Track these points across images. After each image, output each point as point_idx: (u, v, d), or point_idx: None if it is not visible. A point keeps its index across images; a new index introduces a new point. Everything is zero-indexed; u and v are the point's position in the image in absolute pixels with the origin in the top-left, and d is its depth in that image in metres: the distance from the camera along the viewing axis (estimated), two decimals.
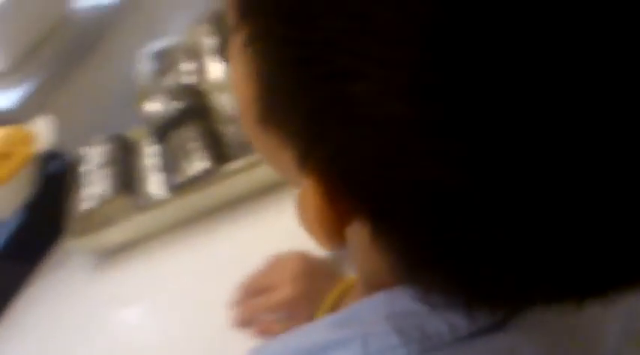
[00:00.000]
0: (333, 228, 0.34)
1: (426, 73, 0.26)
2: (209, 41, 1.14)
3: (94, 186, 0.91)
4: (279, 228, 0.84)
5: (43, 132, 0.92)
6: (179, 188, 0.88)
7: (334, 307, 0.65)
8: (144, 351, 0.79)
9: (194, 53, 1.10)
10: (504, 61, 0.25)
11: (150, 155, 0.96)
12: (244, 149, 0.90)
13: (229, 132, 0.92)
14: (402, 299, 0.38)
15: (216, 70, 1.06)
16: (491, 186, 0.28)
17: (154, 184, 0.92)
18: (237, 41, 0.35)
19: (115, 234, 0.88)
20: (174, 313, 0.81)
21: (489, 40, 0.25)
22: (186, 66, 1.06)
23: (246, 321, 0.74)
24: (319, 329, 0.41)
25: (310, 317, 0.69)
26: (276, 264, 0.76)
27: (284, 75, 0.32)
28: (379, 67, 0.27)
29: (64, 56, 1.06)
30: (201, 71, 1.03)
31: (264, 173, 0.89)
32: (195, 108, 0.94)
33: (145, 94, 1.04)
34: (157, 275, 0.86)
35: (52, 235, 0.93)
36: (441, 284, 0.34)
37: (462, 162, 0.27)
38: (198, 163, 0.88)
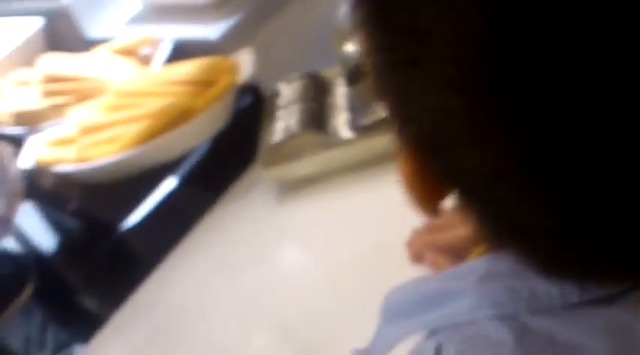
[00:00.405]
0: (427, 198, 0.39)
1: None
2: None
3: (286, 120, 0.94)
4: None
5: (244, 64, 0.96)
6: (365, 129, 0.89)
7: None
8: (305, 289, 0.81)
9: None
10: None
11: (342, 95, 0.97)
12: None
13: None
14: (512, 261, 0.38)
15: None
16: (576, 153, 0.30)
17: (342, 123, 0.93)
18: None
19: (300, 168, 0.91)
20: (341, 252, 0.82)
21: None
22: None
23: (418, 255, 0.74)
24: (441, 279, 0.45)
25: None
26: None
27: (373, 57, 0.35)
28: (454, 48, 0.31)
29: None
30: None
31: None
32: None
33: (344, 37, 1.05)
34: (333, 214, 0.88)
35: (240, 165, 0.98)
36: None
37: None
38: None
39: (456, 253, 0.72)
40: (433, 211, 0.40)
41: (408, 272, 0.73)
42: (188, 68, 0.98)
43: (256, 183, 0.95)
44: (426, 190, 0.38)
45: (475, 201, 0.36)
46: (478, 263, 0.41)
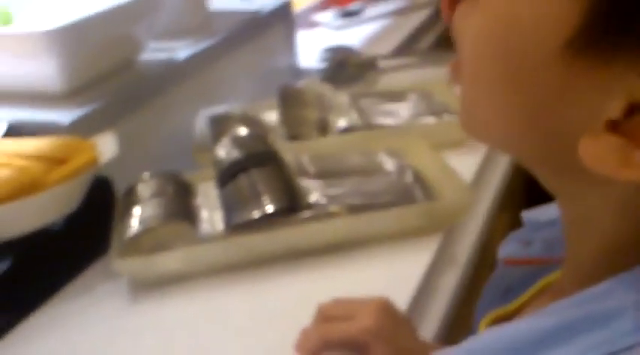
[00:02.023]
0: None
1: None
2: (270, 115, 1.10)
3: (145, 213, 0.80)
4: (337, 288, 0.75)
5: (105, 146, 0.82)
6: (239, 227, 0.79)
7: None
8: None
9: (252, 123, 1.05)
10: None
11: (207, 195, 0.87)
12: (316, 202, 0.82)
13: (301, 183, 0.84)
14: None
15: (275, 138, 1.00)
16: None
17: (211, 221, 0.82)
18: None
19: (163, 262, 0.77)
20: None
21: None
22: (243, 132, 1.00)
23: (315, 348, 0.62)
24: (549, 314, 0.35)
25: None
26: (357, 299, 0.66)
27: None
28: None
29: (124, 96, 0.99)
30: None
31: (332, 229, 0.80)
32: (264, 154, 0.86)
33: (201, 150, 0.97)
34: (194, 316, 0.74)
35: (88, 256, 0.81)
36: None
37: None
38: (265, 206, 0.79)
39: (356, 346, 0.62)
40: None
41: None
42: (37, 143, 0.82)
43: (106, 277, 0.79)
44: None
45: None
46: (613, 282, 0.34)
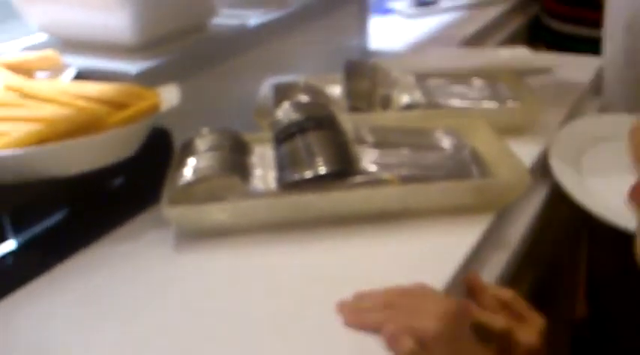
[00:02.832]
0: None
1: None
2: (335, 89, 1.08)
3: (201, 162, 0.80)
4: (381, 256, 0.73)
5: (167, 96, 0.82)
6: (292, 186, 0.77)
7: None
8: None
9: (315, 93, 1.03)
10: None
11: (263, 155, 0.86)
12: (369, 169, 0.80)
13: (357, 150, 0.82)
14: None
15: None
16: None
17: (264, 179, 0.81)
18: None
19: (212, 213, 0.76)
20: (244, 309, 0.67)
21: None
22: (304, 99, 0.99)
23: (368, 327, 0.61)
24: None
25: None
26: (423, 291, 0.64)
27: None
28: None
29: (193, 55, 0.98)
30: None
31: (383, 196, 0.78)
32: (323, 119, 0.84)
33: (263, 115, 0.96)
34: (240, 269, 0.73)
35: (142, 202, 0.81)
36: None
37: None
38: (318, 167, 0.77)
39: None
40: None
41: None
42: (101, 86, 0.82)
43: (156, 224, 0.79)
44: None
45: None
46: None
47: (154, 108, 0.80)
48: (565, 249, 1.19)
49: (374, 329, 0.61)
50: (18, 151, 0.71)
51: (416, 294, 0.64)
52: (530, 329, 0.67)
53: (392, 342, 0.59)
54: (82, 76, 0.90)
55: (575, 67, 1.33)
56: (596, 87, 1.31)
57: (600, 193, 0.92)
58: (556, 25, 1.77)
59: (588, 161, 1.00)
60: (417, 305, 0.62)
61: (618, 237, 0.79)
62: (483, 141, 0.88)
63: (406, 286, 0.65)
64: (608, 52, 1.37)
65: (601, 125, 1.07)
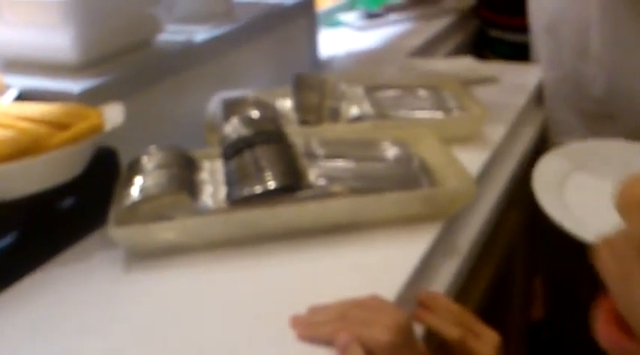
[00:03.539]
0: None
1: None
2: (284, 103, 1.08)
3: (148, 181, 0.78)
4: (333, 268, 0.72)
5: (111, 115, 0.80)
6: (241, 202, 0.76)
7: None
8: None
9: (264, 107, 1.02)
10: None
11: (212, 171, 0.84)
12: (319, 182, 0.79)
13: (305, 164, 0.82)
14: None
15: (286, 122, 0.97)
16: None
17: (213, 195, 0.79)
18: None
19: (160, 232, 0.74)
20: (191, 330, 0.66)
21: None
22: (253, 114, 0.98)
23: (321, 338, 0.60)
24: None
25: None
26: (376, 303, 0.63)
27: None
28: None
29: (138, 72, 0.96)
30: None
31: (333, 209, 0.77)
32: (272, 133, 0.83)
33: (213, 131, 0.95)
34: (187, 288, 0.71)
35: (87, 224, 0.79)
36: None
37: None
38: (267, 182, 0.76)
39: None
40: None
41: None
42: (43, 107, 0.80)
43: (104, 245, 0.77)
44: None
45: None
46: None
47: (98, 128, 0.78)
48: (519, 253, 1.19)
49: (327, 341, 0.60)
50: None
51: (368, 306, 0.64)
52: (487, 345, 0.66)
53: (343, 352, 0.58)
54: (23, 96, 0.88)
55: (520, 75, 1.34)
56: (540, 93, 1.33)
57: (583, 217, 0.89)
58: (497, 33, 1.79)
59: (570, 188, 0.98)
60: (369, 317, 0.61)
61: (573, 246, 0.80)
62: (430, 151, 0.88)
63: (359, 298, 0.65)
64: (535, 55, 1.39)
65: (582, 152, 1.07)
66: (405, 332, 0.60)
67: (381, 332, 0.59)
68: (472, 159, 0.93)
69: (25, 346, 0.64)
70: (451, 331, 0.66)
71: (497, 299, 1.06)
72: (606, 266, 0.34)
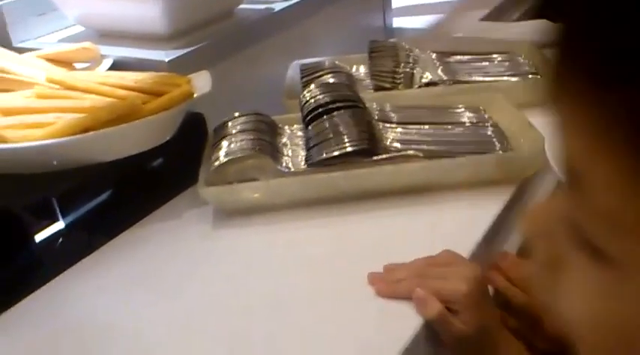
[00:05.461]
0: None
1: None
2: (359, 69, 1.09)
3: (233, 144, 0.81)
4: (407, 229, 0.74)
5: (200, 82, 0.84)
6: (321, 164, 0.78)
7: None
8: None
9: (340, 73, 1.04)
10: None
11: (292, 135, 0.87)
12: (395, 146, 0.80)
13: (380, 128, 0.83)
14: None
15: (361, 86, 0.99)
16: None
17: (293, 158, 0.82)
18: None
19: (244, 192, 0.78)
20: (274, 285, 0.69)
21: None
22: (331, 80, 0.99)
23: (401, 295, 0.62)
24: None
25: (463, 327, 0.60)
26: (450, 257, 0.65)
27: None
28: None
29: (222, 41, 1.00)
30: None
31: (408, 172, 0.79)
32: (348, 99, 0.85)
33: (291, 97, 0.97)
34: (272, 246, 0.74)
35: (178, 183, 0.83)
36: None
37: None
38: (346, 146, 0.78)
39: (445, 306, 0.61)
40: None
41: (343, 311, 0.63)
42: (138, 75, 0.84)
43: (193, 204, 0.81)
44: None
45: None
46: None
47: (188, 95, 0.81)
48: None
49: (405, 297, 0.62)
50: (63, 140, 0.73)
51: (443, 261, 0.65)
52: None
53: (421, 306, 0.61)
54: (118, 65, 0.92)
55: None
56: None
57: None
58: None
59: None
60: (445, 271, 0.63)
61: None
62: (504, 116, 0.88)
63: (434, 255, 0.66)
64: None
65: None
66: (481, 282, 0.62)
67: (458, 283, 0.61)
68: (546, 124, 0.92)
69: (123, 297, 0.68)
70: (518, 297, 0.67)
71: None
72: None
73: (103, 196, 0.86)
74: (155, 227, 0.79)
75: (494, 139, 0.83)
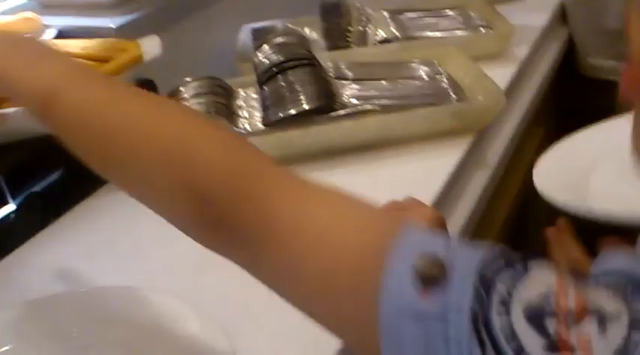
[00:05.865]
0: None
1: None
2: (312, 30, 1.07)
3: None
4: (369, 183, 0.74)
5: (148, 47, 0.81)
6: (276, 124, 0.77)
7: None
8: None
9: (293, 35, 1.02)
10: None
11: (247, 98, 0.85)
12: (351, 102, 0.80)
13: (337, 85, 0.82)
14: None
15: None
16: None
17: (250, 120, 0.81)
18: None
19: None
20: None
21: None
22: (285, 40, 0.98)
23: None
24: None
25: None
26: (413, 202, 0.64)
27: None
28: None
29: (170, 6, 0.97)
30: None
31: (366, 127, 0.78)
32: (303, 57, 0.84)
33: (244, 60, 0.95)
34: None
35: None
36: None
37: None
38: (302, 103, 0.77)
39: None
40: None
41: None
42: (84, 43, 0.81)
43: None
44: None
45: None
46: None
47: (137, 60, 0.78)
48: None
49: None
50: (8, 110, 0.70)
51: (407, 205, 0.65)
52: None
53: None
54: (63, 35, 0.89)
55: None
56: (564, 10, 1.30)
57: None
58: None
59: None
60: (408, 213, 0.63)
61: None
62: (459, 68, 0.88)
63: (398, 201, 0.66)
64: None
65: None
66: (442, 223, 0.62)
67: (420, 222, 0.60)
68: (499, 76, 0.92)
69: (83, 265, 0.67)
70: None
71: (523, 212, 1.07)
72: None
73: (54, 171, 0.84)
74: (109, 197, 0.77)
75: (450, 91, 0.83)
